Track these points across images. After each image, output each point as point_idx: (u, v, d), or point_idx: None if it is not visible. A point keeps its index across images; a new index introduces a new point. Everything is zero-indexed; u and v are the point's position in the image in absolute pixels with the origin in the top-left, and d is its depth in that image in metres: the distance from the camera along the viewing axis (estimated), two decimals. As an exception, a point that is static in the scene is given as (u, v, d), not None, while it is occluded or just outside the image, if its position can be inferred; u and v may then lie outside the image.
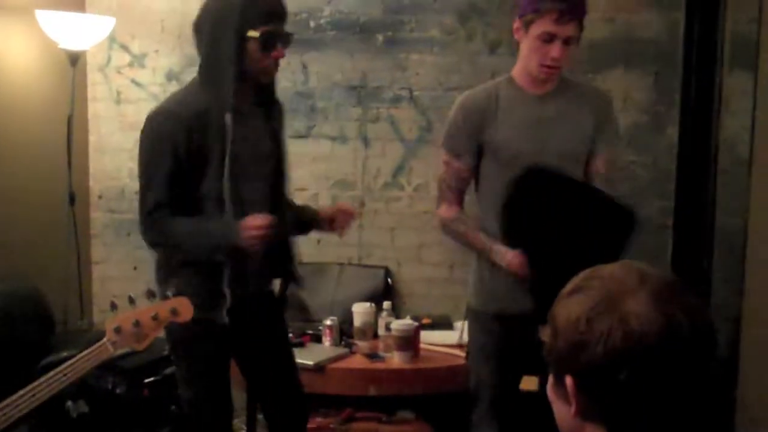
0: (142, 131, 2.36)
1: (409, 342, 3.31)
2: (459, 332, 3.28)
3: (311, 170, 3.93)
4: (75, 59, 3.58)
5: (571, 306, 1.08)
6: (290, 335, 3.49)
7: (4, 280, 3.26)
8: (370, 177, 3.94)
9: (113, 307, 2.16)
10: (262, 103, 2.46)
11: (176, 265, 2.39)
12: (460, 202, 2.62)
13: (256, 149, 2.43)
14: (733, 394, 2.96)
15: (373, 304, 3.55)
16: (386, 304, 3.56)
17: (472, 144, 2.55)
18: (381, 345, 3.42)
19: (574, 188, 2.47)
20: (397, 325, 3.35)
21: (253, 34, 2.28)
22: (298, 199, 2.72)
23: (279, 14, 2.34)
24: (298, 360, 3.23)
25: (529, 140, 2.51)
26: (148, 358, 3.11)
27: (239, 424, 3.48)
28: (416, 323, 3.42)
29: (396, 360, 3.31)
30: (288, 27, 3.76)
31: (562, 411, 1.11)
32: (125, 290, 2.37)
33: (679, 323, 1.02)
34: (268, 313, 2.64)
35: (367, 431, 3.24)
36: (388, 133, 3.91)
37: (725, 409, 2.96)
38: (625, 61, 3.69)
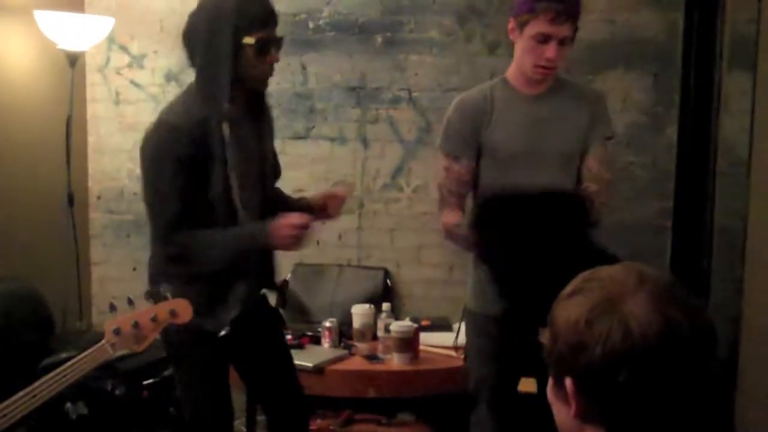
0: (145, 148, 2.32)
1: (408, 343, 3.30)
2: (455, 334, 3.27)
3: (310, 171, 3.93)
4: (74, 60, 3.58)
5: (570, 308, 1.08)
6: (289, 337, 3.51)
7: (3, 281, 3.25)
8: (369, 178, 3.94)
9: (112, 308, 2.15)
10: (252, 108, 2.45)
11: (180, 276, 2.34)
12: (462, 207, 2.60)
13: (253, 154, 2.43)
14: (732, 394, 2.95)
15: (372, 306, 3.55)
16: (385, 306, 3.56)
17: (471, 145, 2.55)
18: (380, 346, 3.42)
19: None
20: (397, 326, 3.34)
21: (248, 40, 2.26)
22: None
23: (272, 20, 2.33)
24: (298, 362, 3.22)
25: (525, 141, 2.51)
26: (147, 360, 3.11)
27: (239, 426, 3.48)
28: (415, 325, 3.42)
29: (395, 361, 3.31)
30: (287, 28, 3.79)
31: (562, 413, 1.11)
32: (124, 291, 2.36)
33: (678, 324, 1.02)
34: (264, 317, 2.64)
35: (367, 433, 3.24)
36: (387, 134, 3.91)
37: (725, 410, 2.95)
38: (625, 61, 3.69)
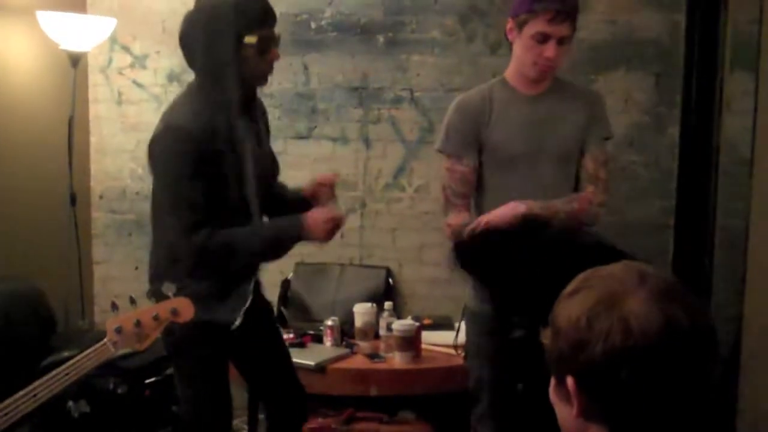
0: (157, 153, 2.30)
1: (410, 342, 3.31)
2: (455, 333, 3.27)
3: (312, 171, 3.91)
4: (76, 60, 3.58)
5: (571, 306, 1.08)
6: (291, 336, 3.53)
7: (5, 281, 3.26)
8: (372, 178, 3.94)
9: (114, 307, 2.16)
10: (250, 104, 2.46)
11: (191, 273, 2.34)
12: (468, 208, 2.58)
13: (256, 151, 2.44)
14: (734, 393, 2.95)
15: (374, 305, 3.55)
16: (387, 305, 3.56)
17: (473, 145, 2.55)
18: (382, 345, 3.42)
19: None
20: (399, 325, 3.35)
21: (250, 40, 2.27)
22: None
23: (271, 17, 2.34)
24: (300, 360, 3.24)
25: (524, 141, 2.51)
26: (149, 359, 3.11)
27: (240, 423, 3.48)
28: (417, 324, 3.42)
29: (397, 360, 3.31)
30: (289, 28, 3.80)
31: (564, 412, 1.12)
32: (126, 290, 2.37)
33: (678, 322, 1.02)
34: (263, 312, 2.65)
35: (368, 431, 3.23)
36: (389, 134, 3.91)
37: (726, 409, 2.96)
38: (627, 62, 3.69)
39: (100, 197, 4.19)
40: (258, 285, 2.59)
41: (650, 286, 1.05)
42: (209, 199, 2.28)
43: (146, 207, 3.91)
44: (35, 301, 3.35)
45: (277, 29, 2.37)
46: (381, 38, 3.87)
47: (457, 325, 2.96)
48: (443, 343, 3.42)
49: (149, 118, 3.89)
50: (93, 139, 4.16)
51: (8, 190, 3.53)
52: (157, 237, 2.45)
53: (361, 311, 3.51)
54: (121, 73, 4.11)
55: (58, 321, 3.48)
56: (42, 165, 3.72)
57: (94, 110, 4.14)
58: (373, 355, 3.38)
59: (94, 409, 3.05)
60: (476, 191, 2.61)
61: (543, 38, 2.41)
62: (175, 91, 3.80)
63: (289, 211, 2.48)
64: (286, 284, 3.88)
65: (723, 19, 3.18)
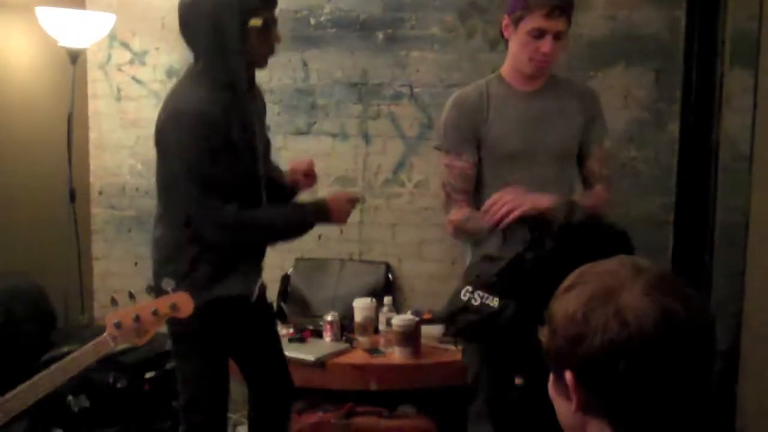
0: (172, 139, 2.32)
1: (409, 337, 3.31)
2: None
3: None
4: (75, 57, 3.58)
5: (567, 301, 1.08)
6: (291, 331, 3.54)
7: (5, 277, 3.27)
8: (371, 173, 3.94)
9: (114, 302, 2.17)
10: (250, 87, 2.49)
11: (209, 250, 2.40)
12: (469, 203, 2.58)
13: (258, 131, 2.49)
14: (733, 388, 2.96)
15: (374, 300, 3.56)
16: (387, 300, 3.57)
17: (471, 141, 2.55)
18: (382, 340, 3.43)
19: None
20: (398, 320, 3.35)
21: (255, 22, 2.30)
22: (299, 196, 2.73)
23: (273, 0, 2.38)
24: (300, 355, 3.26)
25: (522, 138, 2.52)
26: (148, 353, 3.13)
27: (240, 418, 3.50)
28: (417, 318, 3.43)
29: (397, 355, 3.32)
30: (288, 24, 3.80)
31: (564, 407, 1.12)
32: (126, 286, 2.38)
33: (675, 314, 1.02)
34: (264, 313, 2.72)
35: (368, 426, 3.24)
36: (388, 130, 3.91)
37: (726, 404, 2.96)
38: (626, 58, 3.69)
39: (100, 193, 4.19)
40: (263, 287, 2.62)
41: (645, 279, 1.05)
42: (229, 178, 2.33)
43: (146, 203, 3.97)
44: (35, 297, 3.36)
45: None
46: (380, 34, 3.87)
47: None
48: (442, 338, 3.42)
49: (148, 114, 3.89)
50: (92, 135, 4.16)
51: (8, 187, 3.53)
52: (170, 221, 2.44)
53: (361, 306, 3.51)
54: (120, 70, 4.10)
55: (58, 316, 3.49)
56: (41, 161, 3.72)
57: (93, 106, 4.14)
58: (372, 350, 3.38)
59: (94, 403, 3.06)
60: (477, 189, 2.61)
61: (539, 34, 2.42)
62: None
63: (280, 195, 2.56)
64: (285, 279, 3.89)
65: (723, 15, 3.18)
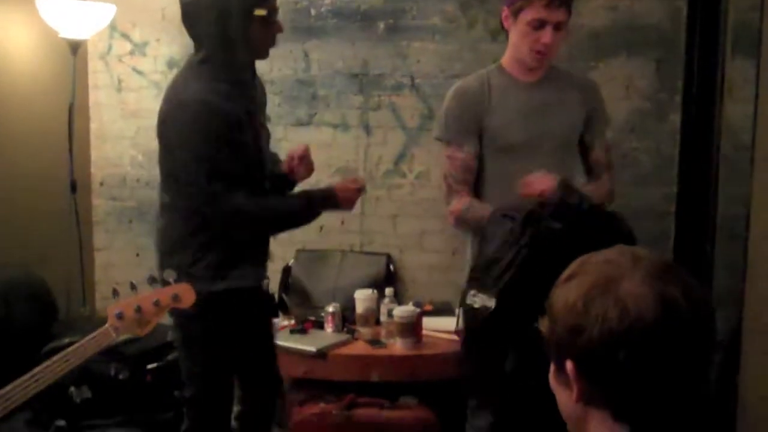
0: (178, 128, 2.32)
1: (411, 328, 3.31)
2: (456, 319, 3.28)
3: (313, 158, 3.92)
4: (76, 47, 3.58)
5: (567, 291, 1.08)
6: (292, 322, 3.54)
7: (6, 268, 3.27)
8: (372, 164, 3.94)
9: (115, 293, 2.16)
10: (252, 78, 2.50)
11: (216, 240, 2.40)
12: (470, 193, 2.59)
13: (263, 122, 2.52)
14: (734, 379, 2.96)
15: (375, 291, 3.55)
16: (388, 291, 3.56)
17: (473, 131, 2.55)
18: (383, 331, 3.43)
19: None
20: (399, 311, 3.35)
21: (259, 12, 2.30)
22: (300, 187, 2.72)
23: None
24: (301, 346, 3.26)
25: (524, 128, 2.52)
26: (151, 344, 3.12)
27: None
28: (418, 309, 3.43)
29: (398, 346, 3.32)
30: (289, 15, 3.79)
31: (565, 397, 1.12)
32: (127, 277, 2.38)
33: (675, 302, 1.02)
34: (263, 296, 2.71)
35: (370, 417, 3.24)
36: (389, 121, 3.91)
37: (727, 395, 2.96)
38: (628, 48, 3.68)
39: (101, 184, 4.19)
40: (266, 279, 2.63)
41: (645, 268, 1.05)
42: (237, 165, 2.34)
43: (147, 194, 3.97)
44: (36, 288, 3.36)
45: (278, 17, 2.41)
46: (381, 25, 3.86)
47: (457, 311, 2.96)
48: (444, 329, 3.42)
49: (149, 104, 3.89)
50: (93, 126, 4.15)
51: (9, 178, 3.53)
52: (175, 212, 2.44)
53: (362, 297, 3.51)
54: (120, 61, 4.10)
55: (60, 308, 3.49)
56: (42, 152, 3.72)
57: (94, 97, 4.13)
58: (374, 341, 3.38)
59: (96, 394, 3.07)
60: (478, 180, 2.61)
61: (539, 24, 2.42)
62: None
63: (278, 186, 2.57)
64: (287, 271, 3.89)
65: (724, 5, 3.17)
